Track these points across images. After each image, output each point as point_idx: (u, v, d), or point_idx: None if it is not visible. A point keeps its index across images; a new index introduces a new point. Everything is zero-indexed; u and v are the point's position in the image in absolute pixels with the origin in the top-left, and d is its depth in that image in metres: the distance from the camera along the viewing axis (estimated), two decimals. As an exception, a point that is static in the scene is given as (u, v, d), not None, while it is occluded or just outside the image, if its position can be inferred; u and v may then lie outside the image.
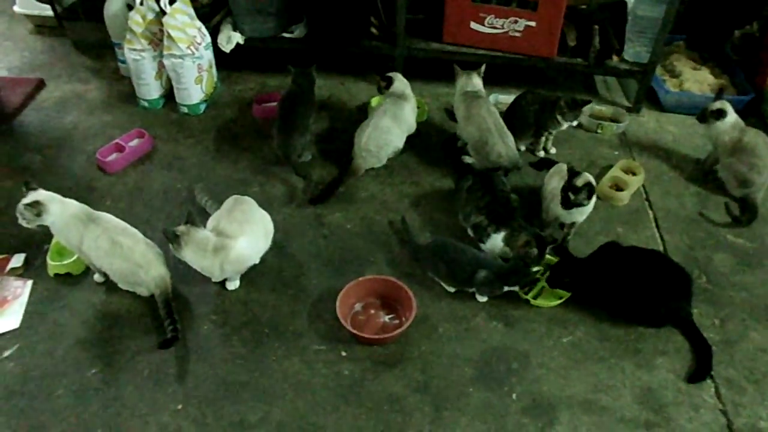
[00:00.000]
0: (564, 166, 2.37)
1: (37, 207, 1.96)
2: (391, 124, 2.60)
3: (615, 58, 3.08)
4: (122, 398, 1.84)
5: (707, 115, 2.61)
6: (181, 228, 2.00)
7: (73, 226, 2.02)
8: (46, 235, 2.10)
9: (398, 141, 2.66)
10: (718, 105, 2.60)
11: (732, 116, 2.60)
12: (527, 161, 2.71)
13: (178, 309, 2.03)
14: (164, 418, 1.79)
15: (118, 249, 2.00)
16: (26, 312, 2.06)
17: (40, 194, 2.00)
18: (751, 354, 2.02)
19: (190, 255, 2.01)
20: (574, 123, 2.68)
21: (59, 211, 2.01)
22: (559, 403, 1.86)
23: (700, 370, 1.96)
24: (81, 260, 2.13)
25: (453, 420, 1.81)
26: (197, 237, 2.01)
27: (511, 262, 2.12)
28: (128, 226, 2.10)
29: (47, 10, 3.49)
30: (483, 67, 2.74)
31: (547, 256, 2.17)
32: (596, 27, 3.08)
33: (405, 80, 2.79)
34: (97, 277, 2.14)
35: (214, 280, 2.14)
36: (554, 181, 2.32)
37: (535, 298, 2.13)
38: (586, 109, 2.95)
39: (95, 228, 2.01)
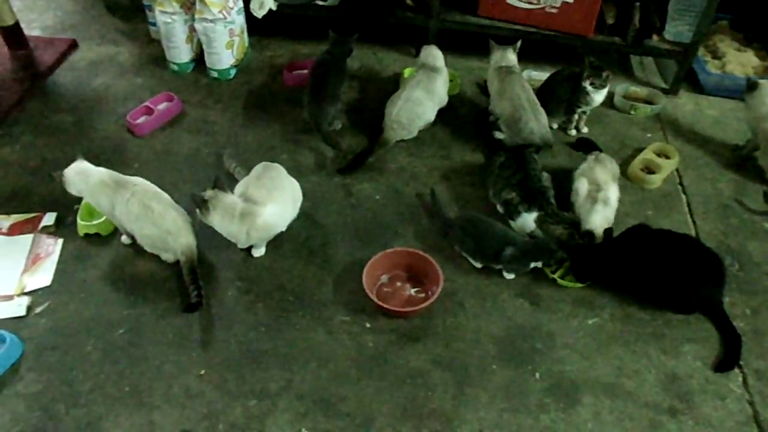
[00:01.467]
0: (599, 159, 2.33)
1: (60, 178, 2.08)
2: (423, 97, 2.57)
3: (655, 37, 2.99)
4: (147, 359, 1.86)
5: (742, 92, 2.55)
6: (209, 192, 2.00)
7: (102, 194, 2.05)
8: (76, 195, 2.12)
9: (430, 113, 2.63)
10: (754, 80, 2.53)
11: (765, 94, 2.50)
12: (559, 140, 2.67)
13: (203, 274, 2.05)
14: (188, 381, 1.81)
15: (149, 214, 2.01)
16: (57, 270, 2.09)
17: (69, 169, 2.08)
18: (782, 345, 1.98)
19: (217, 220, 2.01)
20: (601, 93, 2.59)
21: (82, 182, 2.06)
22: (582, 384, 1.85)
23: (728, 359, 1.92)
24: (110, 221, 2.15)
25: (475, 396, 1.81)
26: (225, 202, 2.00)
27: (538, 240, 2.10)
28: (160, 190, 2.10)
29: (80, -30, 3.49)
30: (519, 43, 2.69)
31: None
32: (637, 4, 2.99)
33: (439, 53, 2.73)
34: (124, 238, 2.15)
35: (240, 246, 2.14)
36: (584, 186, 2.26)
37: (562, 277, 2.10)
38: (620, 89, 2.89)
39: (125, 192, 2.03)
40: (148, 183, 2.11)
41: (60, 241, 2.18)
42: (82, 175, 2.07)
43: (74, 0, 3.56)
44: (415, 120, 2.57)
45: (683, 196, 2.50)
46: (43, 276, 2.06)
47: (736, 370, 1.91)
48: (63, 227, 2.23)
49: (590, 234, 2.13)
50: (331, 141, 2.58)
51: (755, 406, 1.82)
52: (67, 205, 2.26)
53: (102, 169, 2.10)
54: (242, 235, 2.05)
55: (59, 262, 2.11)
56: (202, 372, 1.84)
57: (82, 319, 1.95)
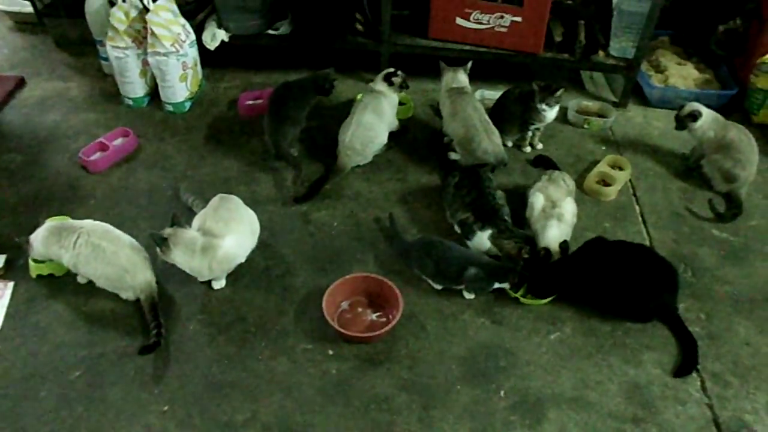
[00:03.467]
0: (552, 178, 2.38)
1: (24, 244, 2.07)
2: (373, 120, 2.59)
3: (601, 53, 3.08)
4: (107, 400, 1.81)
5: (683, 121, 2.63)
6: (168, 230, 1.98)
7: (51, 246, 2.02)
8: (27, 235, 2.07)
9: (382, 136, 2.65)
10: (688, 108, 2.62)
11: (708, 114, 2.61)
12: (514, 158, 2.72)
13: (164, 308, 2.02)
14: (150, 419, 1.77)
15: (101, 254, 1.98)
16: (7, 314, 2.03)
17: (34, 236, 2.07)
18: (737, 347, 2.03)
19: (179, 257, 2.00)
20: (554, 110, 2.65)
21: (38, 242, 2.04)
22: (547, 399, 1.86)
23: (685, 364, 1.96)
24: (63, 262, 2.11)
25: (441, 418, 1.80)
26: (185, 238, 1.99)
27: (502, 261, 2.12)
28: (111, 228, 2.08)
29: (27, 7, 3.45)
30: (469, 64, 2.74)
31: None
32: (581, 22, 3.09)
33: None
34: (80, 278, 2.11)
35: (201, 279, 2.12)
36: (539, 202, 2.30)
37: (524, 296, 2.13)
38: (572, 104, 2.97)
39: (71, 236, 2.00)
40: (97, 223, 2.09)
41: (10, 284, 2.12)
42: (37, 239, 2.05)
43: (22, 37, 3.52)
44: (369, 144, 2.59)
45: (637, 207, 2.56)
46: (-7, 322, 2.01)
47: (694, 375, 1.95)
48: (13, 270, 2.17)
49: (547, 251, 2.17)
50: (290, 161, 2.60)
51: (714, 409, 1.86)
52: (17, 247, 2.20)
53: (45, 224, 2.09)
54: (204, 269, 2.04)
55: (10, 306, 2.06)
56: (165, 408, 1.80)
57: (35, 364, 1.90)
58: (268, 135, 2.63)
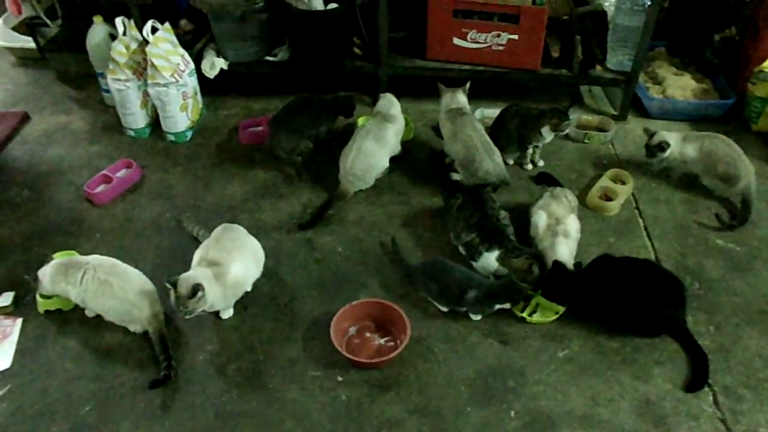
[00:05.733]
0: (554, 194, 2.39)
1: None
2: (374, 147, 2.60)
3: (598, 67, 3.10)
4: (118, 434, 1.82)
5: (654, 153, 2.66)
6: (187, 279, 1.94)
7: (58, 284, 2.04)
8: (35, 271, 2.09)
9: (383, 162, 2.66)
10: (657, 139, 2.65)
11: (676, 140, 2.64)
12: (516, 176, 2.73)
13: (172, 339, 2.03)
14: (162, 453, 1.78)
15: (107, 289, 1.99)
16: (17, 351, 2.04)
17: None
18: (747, 360, 2.02)
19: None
20: (563, 133, 2.69)
21: (46, 279, 2.06)
22: (558, 418, 1.86)
23: (697, 378, 1.96)
24: (71, 297, 2.12)
25: (452, 441, 1.80)
26: (204, 276, 1.98)
27: (502, 280, 2.12)
28: (118, 263, 2.09)
29: (30, 42, 3.49)
30: (468, 84, 2.76)
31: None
32: (578, 37, 3.11)
33: (394, 100, 2.79)
34: (88, 312, 2.12)
35: (217, 308, 2.10)
36: (543, 220, 2.30)
37: (530, 315, 2.13)
38: (573, 118, 2.97)
39: (77, 272, 2.01)
40: (104, 258, 2.10)
41: (19, 320, 2.13)
42: (44, 275, 2.07)
43: (24, 72, 3.56)
44: (370, 170, 2.61)
45: (640, 220, 2.56)
46: (2, 359, 2.01)
47: (706, 389, 1.94)
48: (22, 306, 2.18)
49: (559, 263, 2.16)
50: (290, 164, 2.71)
51: (727, 423, 1.85)
52: (25, 284, 2.21)
53: (52, 261, 2.10)
54: (220, 298, 2.02)
55: (19, 342, 2.06)
56: (176, 441, 1.80)
57: (46, 400, 1.90)
58: (267, 140, 2.74)
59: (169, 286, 1.91)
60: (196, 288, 1.89)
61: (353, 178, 2.58)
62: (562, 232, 2.24)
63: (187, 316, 1.93)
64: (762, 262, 2.36)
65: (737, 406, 1.89)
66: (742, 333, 2.11)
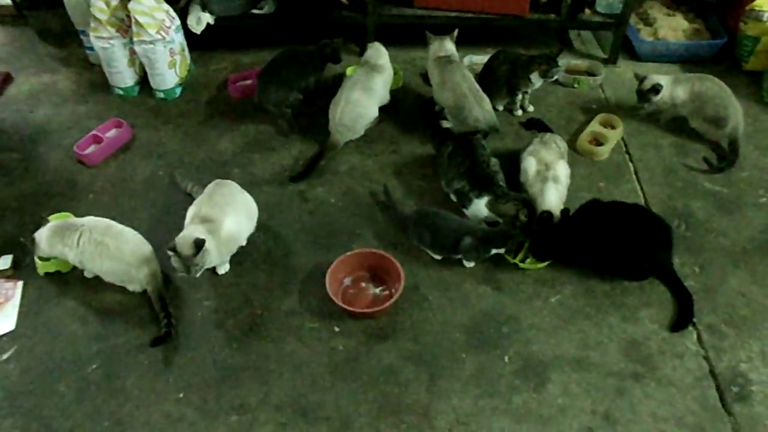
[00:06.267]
0: (544, 140, 2.39)
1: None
2: (362, 97, 2.59)
3: (587, 11, 3.06)
4: (124, 390, 1.87)
5: (645, 95, 2.64)
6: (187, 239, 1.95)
7: (54, 246, 2.05)
8: (31, 234, 2.10)
9: (372, 111, 2.65)
10: (648, 82, 2.63)
11: (668, 81, 2.63)
12: (506, 122, 2.73)
13: (171, 296, 2.07)
14: (167, 406, 1.84)
15: (104, 250, 2.02)
16: (20, 313, 2.08)
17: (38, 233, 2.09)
18: (731, 299, 2.08)
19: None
20: (553, 78, 2.68)
21: (43, 242, 2.07)
22: (549, 362, 1.93)
23: (682, 318, 2.02)
24: (70, 258, 2.15)
25: (448, 386, 1.87)
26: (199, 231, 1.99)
27: (497, 227, 2.15)
28: (113, 224, 2.11)
29: (5, 0, 3.40)
30: (455, 32, 2.72)
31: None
32: (567, -20, 3.06)
33: (382, 49, 2.76)
34: (87, 273, 2.15)
35: (214, 265, 2.12)
36: (532, 165, 2.32)
37: (522, 261, 2.17)
38: (562, 63, 2.96)
39: (73, 234, 2.03)
40: (98, 219, 2.12)
41: (20, 283, 2.16)
42: (41, 238, 2.08)
43: (3, 30, 3.47)
44: (359, 120, 2.60)
45: (630, 164, 2.58)
46: (6, 321, 2.05)
47: (691, 328, 2.01)
48: (21, 269, 2.21)
49: (549, 213, 2.19)
50: (277, 116, 2.71)
51: (710, 360, 1.92)
52: (22, 246, 2.22)
53: (49, 223, 2.11)
54: (215, 253, 2.03)
55: (21, 305, 2.10)
56: (181, 395, 1.86)
57: (52, 360, 1.95)
58: (256, 93, 2.72)
59: (170, 252, 1.92)
60: (198, 243, 1.91)
61: (343, 128, 2.58)
62: (552, 178, 2.26)
63: (197, 274, 1.96)
64: (748, 203, 2.41)
65: (720, 344, 1.96)
66: (727, 273, 2.16)
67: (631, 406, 1.82)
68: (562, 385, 1.87)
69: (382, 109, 2.71)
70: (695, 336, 1.98)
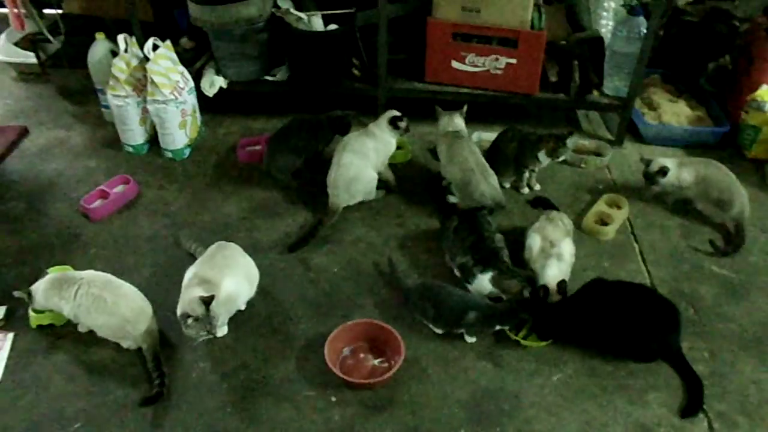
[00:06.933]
0: (550, 218, 2.40)
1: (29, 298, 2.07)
2: (352, 159, 2.60)
3: (595, 92, 3.14)
4: (108, 453, 1.80)
5: (654, 179, 2.67)
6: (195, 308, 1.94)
7: (51, 298, 2.03)
8: (28, 285, 2.08)
9: (365, 175, 2.62)
10: (656, 165, 2.66)
11: (673, 166, 2.65)
12: (512, 199, 2.74)
13: (166, 355, 2.02)
14: (152, 472, 1.76)
15: (101, 304, 1.98)
16: (6, 366, 2.02)
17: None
18: (743, 386, 2.02)
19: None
20: (560, 159, 2.71)
21: (39, 294, 2.05)
22: (552, 443, 1.85)
23: (691, 404, 1.95)
24: (64, 312, 2.11)
25: (446, 464, 1.79)
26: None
27: (502, 303, 2.12)
28: (113, 278, 2.08)
29: (31, 58, 3.51)
30: (465, 107, 2.78)
31: None
32: (575, 62, 3.14)
33: (381, 118, 2.72)
34: (81, 327, 2.10)
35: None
36: (536, 242, 2.31)
37: (524, 338, 2.12)
38: (570, 143, 3.00)
39: (71, 287, 2.00)
40: (98, 273, 2.09)
41: (10, 335, 2.11)
42: (37, 291, 2.06)
43: (25, 87, 3.57)
44: (352, 183, 2.60)
45: (635, 245, 2.57)
46: (-9, 374, 2.00)
47: (701, 415, 1.93)
48: (13, 320, 2.16)
49: (545, 288, 2.17)
50: (283, 183, 2.76)
51: (722, 450, 1.84)
52: (17, 298, 2.18)
53: (46, 276, 2.09)
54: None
55: (10, 357, 2.04)
56: (167, 460, 1.79)
57: (34, 416, 1.88)
58: (264, 159, 2.80)
59: (186, 320, 1.90)
60: (206, 300, 1.90)
61: (337, 191, 2.58)
62: (556, 255, 2.25)
63: (219, 331, 2.04)
64: (756, 288, 2.37)
65: (732, 433, 1.88)
66: (737, 359, 2.10)
67: (639, 496, 1.73)
68: (565, 469, 1.78)
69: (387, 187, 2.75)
70: (706, 423, 1.91)
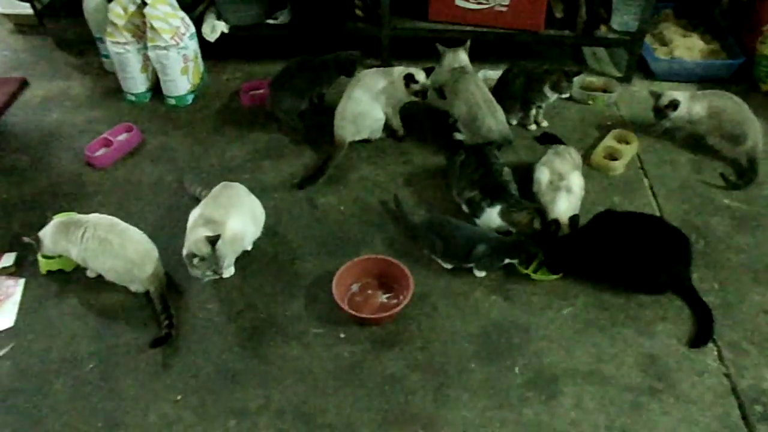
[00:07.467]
0: (558, 151, 2.36)
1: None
2: (362, 95, 2.57)
3: (603, 28, 3.04)
4: (121, 391, 1.82)
5: (663, 111, 2.60)
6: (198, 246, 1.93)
7: (58, 242, 2.03)
8: (36, 232, 2.07)
9: (373, 111, 2.60)
10: (666, 98, 2.59)
11: (684, 99, 2.58)
12: (519, 136, 2.69)
13: (173, 298, 2.03)
14: (165, 408, 1.78)
15: (108, 247, 1.98)
16: (20, 310, 2.04)
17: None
18: (752, 315, 2.01)
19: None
20: (565, 95, 2.65)
21: (47, 239, 2.04)
22: (562, 374, 1.85)
23: (701, 334, 1.94)
24: (73, 257, 2.11)
25: (455, 397, 1.79)
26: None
27: (511, 236, 2.10)
28: (118, 221, 2.08)
29: (27, 9, 3.44)
30: (468, 43, 2.71)
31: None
32: (582, -2, 3.05)
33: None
34: (89, 272, 2.11)
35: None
36: (545, 175, 2.28)
37: (534, 271, 2.11)
38: (577, 80, 2.93)
39: (77, 230, 2.00)
40: (104, 216, 2.09)
41: (21, 281, 2.13)
42: (46, 235, 2.05)
43: (22, 39, 3.52)
44: (359, 117, 2.57)
45: (645, 180, 2.53)
46: (5, 318, 2.01)
47: (711, 345, 1.92)
48: (24, 266, 2.18)
49: (556, 222, 2.14)
50: (288, 124, 2.73)
51: (732, 378, 1.84)
52: (26, 245, 2.19)
53: (53, 220, 2.09)
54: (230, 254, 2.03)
55: (22, 302, 2.06)
56: (179, 397, 1.80)
57: (48, 359, 1.90)
58: (268, 101, 2.76)
59: (192, 260, 1.90)
60: (211, 240, 1.90)
61: (344, 122, 2.56)
62: (565, 188, 2.22)
63: (225, 272, 2.02)
64: (768, 221, 2.34)
65: (742, 361, 1.88)
66: (747, 289, 2.09)
67: (648, 423, 1.73)
68: (574, 398, 1.79)
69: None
70: (716, 353, 1.90)
